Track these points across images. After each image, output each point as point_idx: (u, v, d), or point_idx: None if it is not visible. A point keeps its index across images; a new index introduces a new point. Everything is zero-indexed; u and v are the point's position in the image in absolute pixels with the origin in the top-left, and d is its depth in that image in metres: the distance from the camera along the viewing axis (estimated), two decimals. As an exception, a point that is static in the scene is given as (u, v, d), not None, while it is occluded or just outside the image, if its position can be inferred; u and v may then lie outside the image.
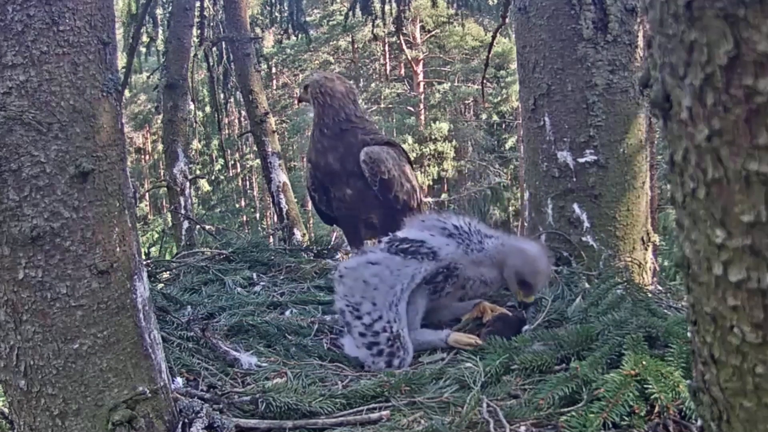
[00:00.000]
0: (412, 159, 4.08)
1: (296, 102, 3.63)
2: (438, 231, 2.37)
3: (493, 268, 2.36)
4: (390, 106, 20.94)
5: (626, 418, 1.51)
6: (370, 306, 2.15)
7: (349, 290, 2.21)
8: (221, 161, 21.28)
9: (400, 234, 2.39)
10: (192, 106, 7.35)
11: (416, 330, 2.33)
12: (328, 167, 3.13)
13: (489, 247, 2.36)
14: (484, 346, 2.11)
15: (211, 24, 7.24)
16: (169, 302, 2.57)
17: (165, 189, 6.63)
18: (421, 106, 20.95)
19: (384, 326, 2.14)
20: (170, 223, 6.92)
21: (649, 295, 2.48)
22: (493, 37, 5.08)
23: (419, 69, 21.11)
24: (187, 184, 6.02)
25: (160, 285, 3.15)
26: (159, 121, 8.18)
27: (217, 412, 1.64)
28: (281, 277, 3.27)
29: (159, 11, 7.71)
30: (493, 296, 2.63)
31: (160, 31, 7.47)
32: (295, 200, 6.19)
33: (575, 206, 2.86)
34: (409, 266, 2.20)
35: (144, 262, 1.64)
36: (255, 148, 8.65)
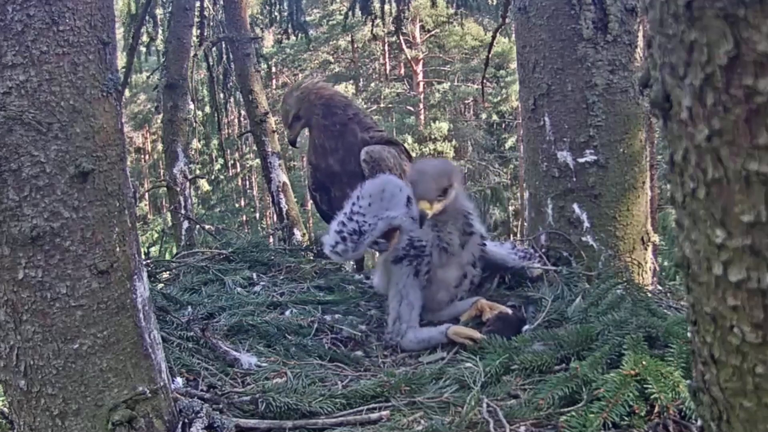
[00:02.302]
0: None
1: (288, 139, 3.44)
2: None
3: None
4: (390, 105, 20.93)
5: (626, 418, 1.51)
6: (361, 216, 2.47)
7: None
8: (221, 161, 21.26)
9: None
10: (192, 106, 7.34)
11: (416, 328, 2.35)
12: (329, 169, 3.14)
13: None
14: (484, 346, 2.11)
15: (211, 24, 7.23)
16: (169, 302, 2.57)
17: (165, 189, 6.63)
18: (421, 105, 20.94)
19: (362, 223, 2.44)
20: (170, 223, 6.92)
21: (649, 295, 2.48)
22: (493, 37, 5.08)
23: (419, 69, 21.09)
24: (187, 184, 6.01)
25: (160, 285, 3.15)
26: (159, 121, 8.17)
27: (217, 412, 1.64)
28: (281, 277, 3.27)
29: (159, 11, 7.70)
30: (492, 296, 2.63)
31: (160, 31, 7.46)
32: (295, 200, 6.19)
33: (575, 206, 2.85)
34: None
35: (144, 262, 1.64)
36: (255, 148, 8.65)
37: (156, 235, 15.93)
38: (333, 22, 20.25)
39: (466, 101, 22.53)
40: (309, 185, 3.35)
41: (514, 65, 12.44)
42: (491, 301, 2.49)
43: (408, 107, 21.11)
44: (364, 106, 19.03)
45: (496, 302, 2.51)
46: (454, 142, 19.78)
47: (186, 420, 1.57)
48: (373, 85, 21.79)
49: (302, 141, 3.64)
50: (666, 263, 6.60)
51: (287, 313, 2.63)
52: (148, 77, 10.52)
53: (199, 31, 6.73)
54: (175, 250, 5.90)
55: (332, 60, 22.23)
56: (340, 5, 19.74)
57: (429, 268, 2.42)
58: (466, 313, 2.48)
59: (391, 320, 2.42)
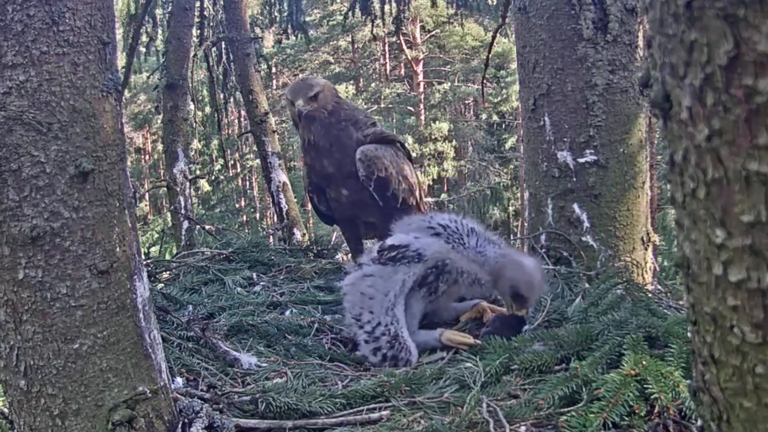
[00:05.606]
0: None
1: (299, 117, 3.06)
2: (423, 232, 2.40)
3: (487, 274, 2.35)
4: (390, 106, 20.93)
5: (626, 418, 1.51)
6: (369, 315, 2.23)
7: (351, 304, 2.30)
8: (221, 161, 21.26)
9: (388, 241, 2.40)
10: (192, 106, 7.34)
11: (412, 332, 2.34)
12: (324, 170, 3.12)
13: (490, 254, 2.38)
14: (484, 346, 2.11)
15: (211, 24, 7.23)
16: (169, 302, 2.57)
17: (165, 189, 6.63)
18: (421, 106, 20.94)
19: (383, 330, 2.20)
20: (170, 223, 6.92)
21: (649, 295, 2.48)
22: (493, 37, 5.09)
23: (419, 69, 21.10)
24: (187, 184, 6.02)
25: (160, 285, 3.15)
26: (159, 121, 8.17)
27: (217, 412, 1.64)
28: (281, 277, 3.27)
29: (159, 11, 7.71)
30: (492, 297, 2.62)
31: (160, 31, 7.46)
32: (295, 200, 6.19)
33: (575, 206, 2.86)
34: (398, 272, 2.25)
35: (144, 262, 1.64)
36: (255, 148, 8.65)
37: (156, 235, 15.95)
38: (333, 22, 20.25)
39: (467, 101, 22.53)
40: (305, 186, 3.35)
41: (514, 65, 12.45)
42: (491, 303, 2.49)
43: (408, 107, 21.11)
44: (365, 106, 19.04)
45: (496, 303, 2.50)
46: (454, 143, 19.79)
47: (186, 420, 1.57)
48: (373, 85, 21.80)
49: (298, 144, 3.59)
50: (666, 263, 6.61)
51: (287, 313, 2.63)
52: (148, 77, 10.53)
53: (199, 31, 6.73)
54: (175, 250, 5.90)
55: (332, 60, 22.23)
56: (340, 5, 19.73)
57: (445, 288, 2.37)
58: (466, 315, 2.48)
59: None
